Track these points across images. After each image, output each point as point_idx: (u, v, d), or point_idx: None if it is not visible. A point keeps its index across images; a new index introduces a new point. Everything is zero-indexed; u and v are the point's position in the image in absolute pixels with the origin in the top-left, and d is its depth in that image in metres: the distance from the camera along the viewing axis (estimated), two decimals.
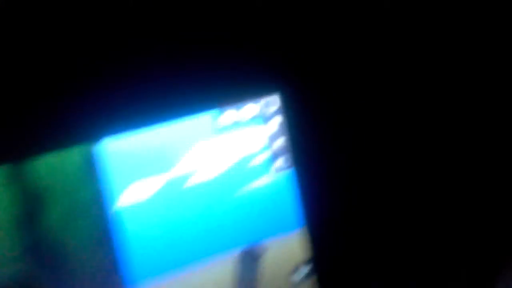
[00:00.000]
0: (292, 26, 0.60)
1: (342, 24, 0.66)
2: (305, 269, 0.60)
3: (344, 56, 0.65)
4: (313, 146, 0.58)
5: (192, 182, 0.56)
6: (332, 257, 0.62)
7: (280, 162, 0.56)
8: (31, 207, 0.57)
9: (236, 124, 0.55)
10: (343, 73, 0.63)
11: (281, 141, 0.57)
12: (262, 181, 0.57)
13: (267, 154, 0.56)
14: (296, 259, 0.61)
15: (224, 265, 0.60)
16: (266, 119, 0.56)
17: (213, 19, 0.58)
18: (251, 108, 0.55)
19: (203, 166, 0.56)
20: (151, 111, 0.52)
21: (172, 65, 0.54)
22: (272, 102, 0.54)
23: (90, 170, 0.56)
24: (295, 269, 0.61)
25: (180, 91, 0.52)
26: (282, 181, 0.57)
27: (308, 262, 0.60)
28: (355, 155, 0.65)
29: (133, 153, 0.56)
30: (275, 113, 0.55)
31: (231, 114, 0.55)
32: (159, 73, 0.55)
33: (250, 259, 0.58)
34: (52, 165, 0.56)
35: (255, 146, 0.56)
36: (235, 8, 0.60)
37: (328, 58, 0.59)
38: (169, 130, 0.54)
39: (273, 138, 0.56)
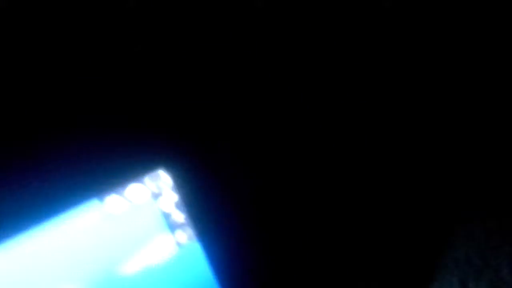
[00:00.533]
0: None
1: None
2: None
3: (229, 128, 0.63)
4: (207, 216, 0.57)
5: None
6: None
7: (180, 235, 0.55)
8: None
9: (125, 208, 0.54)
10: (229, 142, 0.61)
11: (176, 216, 0.56)
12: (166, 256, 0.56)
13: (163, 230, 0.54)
14: None
15: None
16: (155, 196, 0.54)
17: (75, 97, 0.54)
18: (137, 189, 0.54)
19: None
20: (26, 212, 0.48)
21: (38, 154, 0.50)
22: (158, 179, 0.53)
23: None
24: None
25: (52, 185, 0.49)
26: (186, 253, 0.55)
27: None
28: (251, 216, 0.64)
29: None
30: (163, 189, 0.54)
31: (117, 200, 0.53)
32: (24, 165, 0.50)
33: None
34: None
35: (150, 224, 0.55)
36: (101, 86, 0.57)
37: (210, 131, 0.58)
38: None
39: (166, 214, 0.55)
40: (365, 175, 0.70)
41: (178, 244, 0.57)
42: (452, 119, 0.66)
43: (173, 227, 0.56)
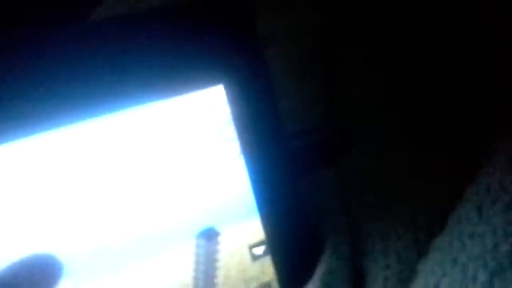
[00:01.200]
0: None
1: None
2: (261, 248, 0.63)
3: None
4: (259, 134, 0.62)
5: None
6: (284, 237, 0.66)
7: (229, 149, 0.59)
8: None
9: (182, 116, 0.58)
10: None
11: (228, 131, 0.60)
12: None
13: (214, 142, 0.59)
14: (252, 239, 0.65)
15: (182, 250, 0.63)
16: (211, 109, 0.58)
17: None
18: (195, 100, 0.58)
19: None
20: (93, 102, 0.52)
21: (111, 56, 0.54)
22: (216, 95, 0.57)
23: None
24: (251, 248, 0.65)
25: (121, 83, 0.52)
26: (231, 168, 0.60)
27: (263, 242, 0.63)
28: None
29: None
30: (219, 105, 0.58)
31: (175, 105, 0.57)
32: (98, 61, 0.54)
33: (206, 241, 0.61)
34: None
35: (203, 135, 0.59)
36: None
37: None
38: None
39: (220, 128, 0.59)
40: None
41: (226, 157, 0.61)
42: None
43: (223, 140, 0.61)
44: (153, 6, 0.61)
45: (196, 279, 0.62)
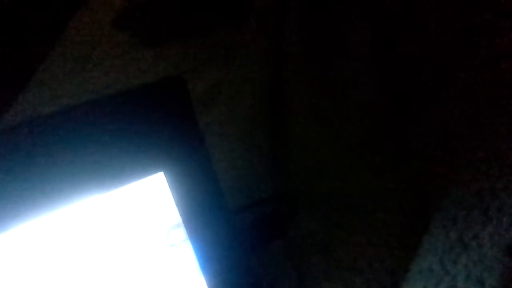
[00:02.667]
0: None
1: None
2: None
3: None
4: (204, 218, 0.61)
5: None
6: None
7: (173, 235, 0.58)
8: None
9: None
10: None
11: (173, 217, 0.59)
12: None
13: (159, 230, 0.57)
14: None
15: None
16: (153, 197, 0.57)
17: None
18: (137, 189, 0.56)
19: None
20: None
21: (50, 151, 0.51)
22: (158, 181, 0.56)
23: None
24: None
25: (60, 178, 0.50)
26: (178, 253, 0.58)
27: None
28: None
29: None
30: (162, 192, 0.57)
31: (114, 197, 0.55)
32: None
33: None
34: None
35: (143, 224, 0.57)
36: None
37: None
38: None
39: (161, 214, 0.58)
40: None
41: (171, 244, 0.60)
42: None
43: (167, 227, 0.59)
44: (90, 98, 0.60)
45: None
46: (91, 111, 0.58)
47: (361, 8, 0.75)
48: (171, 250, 0.60)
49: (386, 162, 0.70)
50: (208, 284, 0.60)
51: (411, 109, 0.69)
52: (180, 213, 0.59)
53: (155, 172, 0.58)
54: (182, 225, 0.60)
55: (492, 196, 0.53)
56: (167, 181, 0.58)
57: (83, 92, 0.74)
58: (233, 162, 0.78)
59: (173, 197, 0.59)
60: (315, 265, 0.70)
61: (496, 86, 0.65)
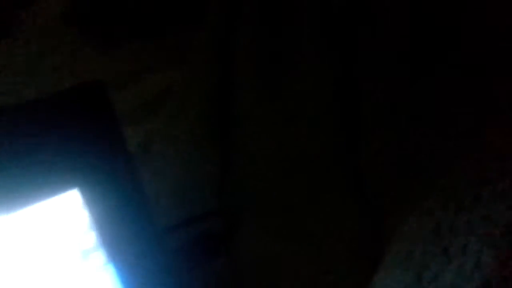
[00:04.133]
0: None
1: None
2: None
3: None
4: (126, 238, 0.55)
5: None
6: None
7: (92, 258, 0.53)
8: None
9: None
10: None
11: (90, 238, 0.53)
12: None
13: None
14: None
15: None
16: (68, 215, 0.51)
17: None
18: (47, 207, 0.51)
19: None
20: None
21: None
22: (71, 198, 0.50)
23: None
24: None
25: None
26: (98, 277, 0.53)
27: None
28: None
29: None
30: (77, 211, 0.51)
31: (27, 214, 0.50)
32: None
33: None
34: None
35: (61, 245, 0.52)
36: None
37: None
38: None
39: (77, 235, 0.52)
40: None
41: (89, 267, 0.54)
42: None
43: (84, 250, 0.54)
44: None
45: None
46: (5, 121, 0.52)
47: (315, 15, 0.70)
48: (91, 274, 0.54)
49: (337, 183, 0.65)
50: None
51: (364, 128, 0.64)
52: (97, 234, 0.53)
53: (68, 189, 0.52)
54: (101, 247, 0.54)
55: (451, 233, 0.46)
56: (82, 199, 0.52)
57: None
58: (177, 172, 0.72)
59: (89, 217, 0.53)
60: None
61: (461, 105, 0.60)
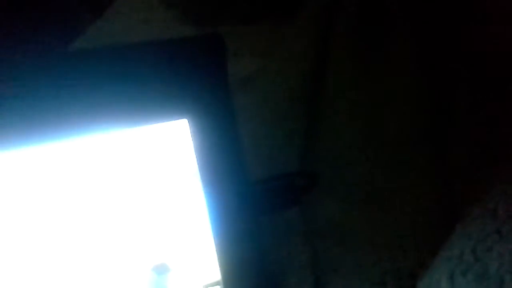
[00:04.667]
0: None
1: None
2: None
3: None
4: (220, 171, 0.62)
5: None
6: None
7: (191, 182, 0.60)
8: None
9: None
10: None
11: (190, 165, 0.61)
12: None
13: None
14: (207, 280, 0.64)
15: (135, 282, 0.62)
16: (176, 141, 0.59)
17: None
18: (159, 131, 0.59)
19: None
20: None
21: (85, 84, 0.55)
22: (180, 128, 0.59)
23: None
24: None
25: (87, 109, 0.54)
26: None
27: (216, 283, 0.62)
28: None
29: None
30: (183, 138, 0.59)
31: (140, 135, 0.58)
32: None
33: (157, 275, 0.60)
34: None
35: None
36: None
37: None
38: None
39: (182, 160, 0.60)
40: None
41: (187, 190, 0.62)
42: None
43: (186, 173, 0.61)
44: (127, 42, 0.64)
45: None
46: (125, 52, 0.61)
47: (408, 16, 0.74)
48: (185, 197, 0.62)
49: (420, 162, 0.68)
50: (214, 237, 0.61)
51: (454, 112, 0.66)
52: (198, 164, 0.61)
53: (180, 118, 0.60)
54: (199, 174, 0.61)
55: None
56: (190, 129, 0.61)
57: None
58: (264, 139, 0.79)
59: (194, 146, 0.61)
60: (330, 248, 0.68)
61: None
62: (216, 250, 0.64)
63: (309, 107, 0.79)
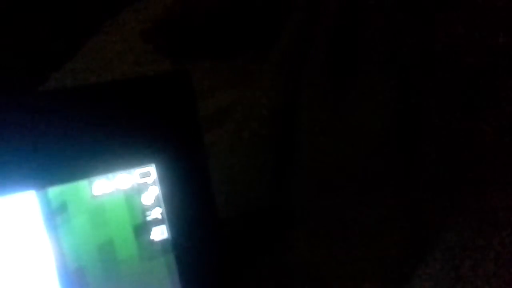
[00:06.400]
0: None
1: None
2: None
3: None
4: (188, 215, 0.59)
5: None
6: None
7: (155, 233, 0.56)
8: None
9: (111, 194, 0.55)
10: None
11: (156, 212, 0.57)
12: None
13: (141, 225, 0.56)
14: None
15: None
16: (140, 190, 0.56)
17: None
18: (124, 179, 0.56)
19: None
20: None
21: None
22: (146, 174, 0.55)
23: None
24: None
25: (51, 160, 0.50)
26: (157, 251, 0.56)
27: None
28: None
29: None
30: (149, 184, 0.55)
31: (103, 184, 0.55)
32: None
33: None
34: None
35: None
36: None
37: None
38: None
39: (147, 209, 0.56)
40: None
41: (151, 240, 0.58)
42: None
43: (150, 222, 0.58)
44: (92, 83, 0.60)
45: None
46: (88, 95, 0.58)
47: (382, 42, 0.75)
48: (151, 244, 0.59)
49: (395, 193, 0.67)
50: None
51: (422, 144, 0.67)
52: (165, 209, 0.58)
53: (147, 164, 0.57)
54: (166, 221, 0.58)
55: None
56: (157, 174, 0.57)
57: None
58: (236, 175, 0.77)
59: (160, 191, 0.57)
60: None
61: None
62: None
63: (281, 140, 0.78)
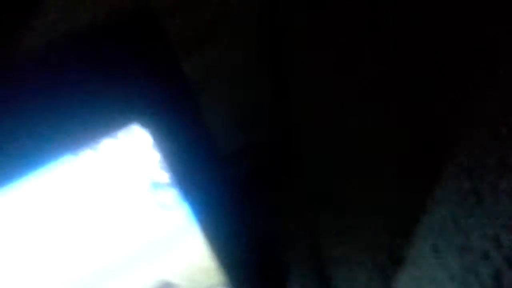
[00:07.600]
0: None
1: None
2: None
3: None
4: (191, 165, 0.55)
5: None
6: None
7: (163, 196, 0.53)
8: None
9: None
10: None
11: (159, 176, 0.53)
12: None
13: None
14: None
15: None
16: (136, 153, 0.51)
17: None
18: (113, 145, 0.51)
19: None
20: None
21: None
22: (135, 135, 0.50)
23: None
24: None
25: (26, 140, 0.44)
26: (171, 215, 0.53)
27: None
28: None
29: None
30: (143, 146, 0.51)
31: (92, 156, 0.50)
32: None
33: None
34: None
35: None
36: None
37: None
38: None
39: (148, 173, 0.52)
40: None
41: (161, 205, 0.54)
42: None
43: (155, 187, 0.54)
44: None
45: None
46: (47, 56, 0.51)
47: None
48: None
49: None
50: (202, 231, 0.54)
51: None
52: (163, 159, 0.53)
53: (129, 124, 0.51)
54: (165, 169, 0.53)
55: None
56: (149, 134, 0.52)
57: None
58: (234, 105, 0.70)
59: (156, 148, 0.52)
60: (325, 219, 0.62)
61: None
62: (208, 243, 0.57)
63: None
